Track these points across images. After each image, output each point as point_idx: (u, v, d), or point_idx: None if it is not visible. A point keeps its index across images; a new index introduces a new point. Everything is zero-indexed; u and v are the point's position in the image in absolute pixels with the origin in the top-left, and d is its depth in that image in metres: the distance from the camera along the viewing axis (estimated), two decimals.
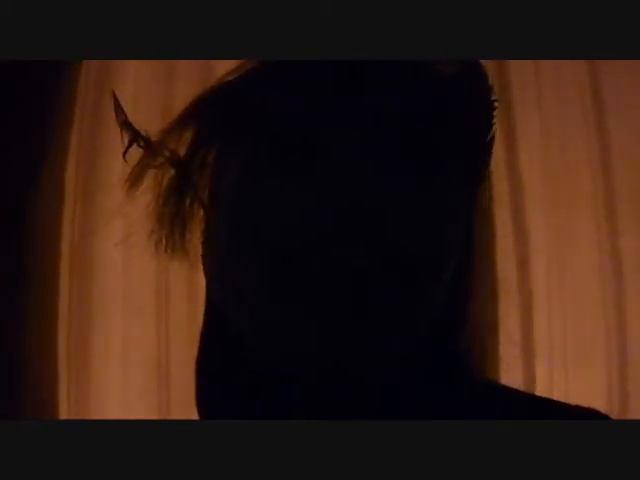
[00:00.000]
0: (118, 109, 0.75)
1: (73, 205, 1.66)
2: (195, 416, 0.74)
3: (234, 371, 0.72)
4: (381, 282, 0.65)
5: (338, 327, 0.65)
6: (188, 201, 0.73)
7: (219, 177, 0.72)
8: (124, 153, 0.74)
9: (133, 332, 1.65)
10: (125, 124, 0.74)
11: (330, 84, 0.67)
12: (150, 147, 0.73)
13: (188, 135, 0.72)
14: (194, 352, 0.75)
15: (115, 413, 1.62)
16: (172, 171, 0.73)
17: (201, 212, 0.73)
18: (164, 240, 0.73)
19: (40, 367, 1.65)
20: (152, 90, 1.63)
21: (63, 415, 1.63)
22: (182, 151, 0.73)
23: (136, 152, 0.73)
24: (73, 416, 1.62)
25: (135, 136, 0.73)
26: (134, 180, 0.73)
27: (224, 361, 0.73)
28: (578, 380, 1.57)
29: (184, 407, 1.60)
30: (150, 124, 0.72)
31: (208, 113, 0.72)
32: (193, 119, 0.73)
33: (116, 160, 1.64)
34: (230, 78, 0.72)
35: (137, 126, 0.73)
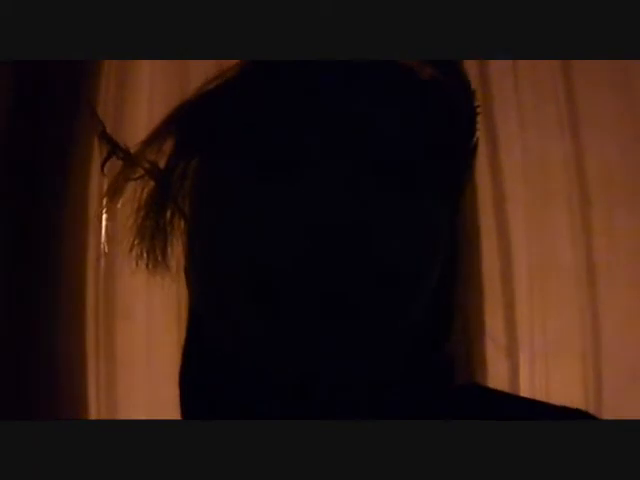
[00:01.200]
0: (96, 120, 0.73)
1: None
2: None
3: (216, 382, 0.71)
4: (365, 294, 0.65)
5: (321, 340, 0.64)
6: (169, 213, 0.72)
7: (200, 188, 0.71)
8: (102, 165, 0.73)
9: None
10: (103, 135, 0.73)
11: (312, 92, 0.67)
12: (129, 159, 0.72)
13: (168, 146, 0.72)
14: None
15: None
16: (152, 183, 0.72)
17: (182, 224, 0.72)
18: (145, 255, 0.72)
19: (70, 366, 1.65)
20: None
21: (93, 415, 1.63)
22: (162, 162, 0.72)
23: (115, 164, 0.72)
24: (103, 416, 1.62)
25: (114, 148, 0.72)
26: (113, 193, 0.72)
27: (206, 372, 0.72)
28: (556, 375, 1.58)
29: None
30: None
31: (188, 123, 0.71)
32: (172, 129, 0.72)
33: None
34: (209, 87, 0.71)
35: (115, 138, 0.72)
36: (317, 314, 0.64)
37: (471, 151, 0.72)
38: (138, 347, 1.65)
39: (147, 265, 0.72)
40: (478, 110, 0.72)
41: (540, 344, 1.57)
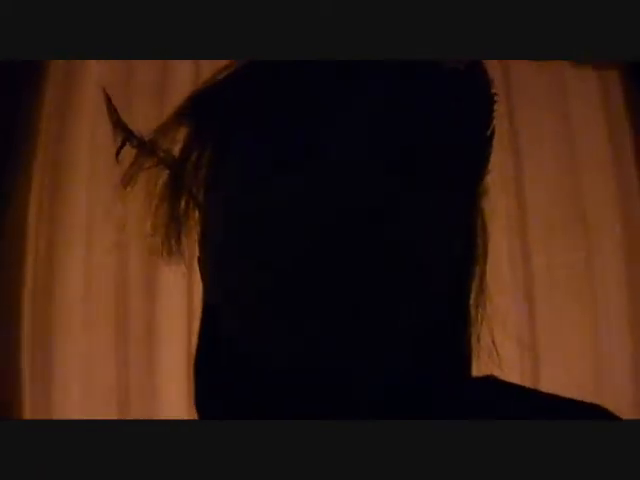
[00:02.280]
0: (111, 108, 0.73)
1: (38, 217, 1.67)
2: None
3: (230, 373, 0.71)
4: (381, 286, 0.64)
5: (337, 332, 0.64)
6: (183, 202, 0.72)
7: (214, 176, 0.70)
8: (117, 153, 0.72)
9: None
10: (118, 124, 0.72)
11: (325, 82, 0.66)
12: (143, 147, 0.71)
13: (182, 134, 0.71)
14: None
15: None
16: (166, 172, 0.71)
17: (196, 213, 0.72)
18: (160, 244, 0.72)
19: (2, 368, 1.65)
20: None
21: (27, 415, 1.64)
22: (176, 151, 0.71)
23: (129, 152, 0.72)
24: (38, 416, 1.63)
25: (128, 136, 0.72)
26: (128, 181, 0.71)
27: (220, 362, 0.72)
28: None
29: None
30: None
31: (201, 111, 0.71)
32: (186, 118, 0.71)
33: (80, 173, 1.67)
34: (222, 76, 0.71)
35: (130, 126, 0.72)
36: (332, 306, 0.64)
37: (488, 140, 0.71)
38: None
39: (162, 254, 0.72)
40: (496, 98, 0.71)
41: None
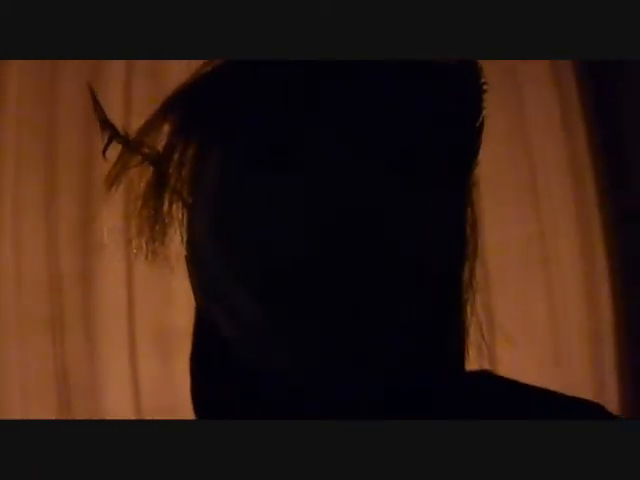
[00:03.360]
0: (97, 107, 0.72)
1: None
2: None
3: (226, 370, 0.70)
4: (375, 281, 0.64)
5: (333, 333, 0.63)
6: (167, 201, 0.71)
7: (199, 174, 0.70)
8: (104, 151, 0.71)
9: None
10: (104, 122, 0.72)
11: (316, 81, 0.65)
12: (128, 145, 0.71)
13: (166, 130, 0.70)
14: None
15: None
16: (150, 173, 0.71)
17: (181, 213, 0.71)
18: (144, 246, 0.71)
19: None
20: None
21: None
22: (160, 147, 0.70)
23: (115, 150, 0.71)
24: None
25: (114, 134, 0.71)
26: (112, 181, 0.71)
27: (215, 362, 0.71)
28: None
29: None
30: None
31: (185, 107, 0.70)
32: (170, 113, 0.70)
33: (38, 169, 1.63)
34: (207, 70, 0.70)
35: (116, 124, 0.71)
36: (323, 305, 0.63)
37: (478, 130, 0.70)
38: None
39: (146, 256, 0.71)
40: (485, 87, 0.70)
41: None
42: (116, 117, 0.73)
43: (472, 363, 0.74)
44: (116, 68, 1.56)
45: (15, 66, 1.63)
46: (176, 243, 0.71)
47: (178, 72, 0.71)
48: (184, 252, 0.71)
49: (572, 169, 1.75)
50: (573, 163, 1.75)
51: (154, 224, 0.70)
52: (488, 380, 0.74)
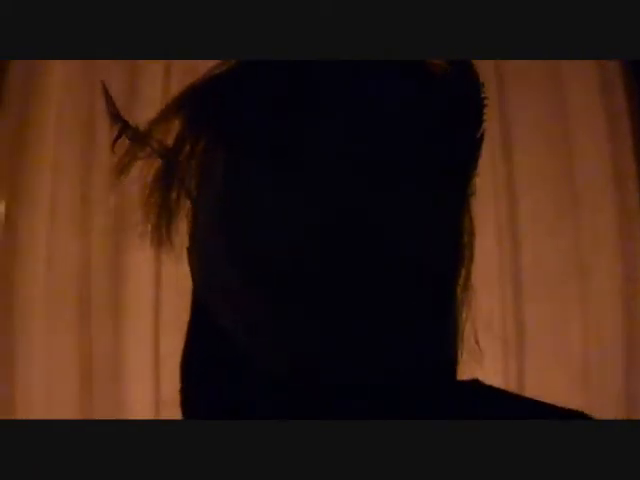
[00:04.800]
0: (108, 100, 0.74)
1: None
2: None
3: (220, 368, 0.71)
4: (375, 282, 0.65)
5: (331, 329, 0.65)
6: (175, 193, 0.72)
7: (206, 168, 0.71)
8: (113, 144, 0.73)
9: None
10: (115, 115, 0.73)
11: (320, 82, 0.67)
12: (138, 137, 0.72)
13: (176, 126, 0.72)
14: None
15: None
16: (159, 162, 0.72)
17: (188, 204, 0.72)
18: (150, 232, 0.72)
19: None
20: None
21: None
22: (170, 142, 0.72)
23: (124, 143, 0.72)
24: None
25: (124, 127, 0.73)
26: (121, 170, 0.72)
27: (210, 357, 0.72)
28: None
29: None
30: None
31: (196, 104, 0.71)
32: (181, 109, 0.72)
33: (44, 155, 1.66)
34: (218, 70, 0.72)
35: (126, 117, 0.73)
36: (323, 300, 0.64)
37: (478, 141, 0.72)
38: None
39: (152, 243, 0.72)
40: (486, 102, 0.72)
41: None
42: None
43: (466, 369, 0.74)
44: (155, 68, 1.58)
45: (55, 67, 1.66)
46: (181, 233, 0.72)
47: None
48: (187, 243, 0.72)
49: (615, 178, 1.71)
50: (616, 171, 1.71)
51: (161, 213, 0.72)
52: (478, 389, 0.75)
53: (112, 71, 1.56)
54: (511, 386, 1.56)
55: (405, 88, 0.69)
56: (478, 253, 0.74)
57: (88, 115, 1.63)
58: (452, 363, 0.73)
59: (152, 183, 0.72)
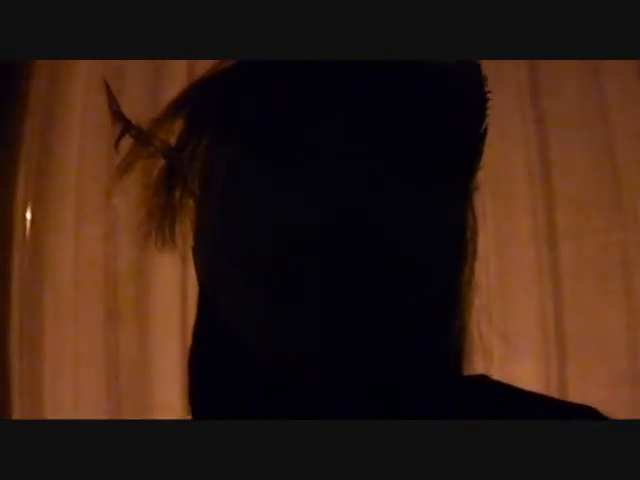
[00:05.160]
0: (111, 99, 0.74)
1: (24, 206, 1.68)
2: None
3: (226, 365, 0.71)
4: (375, 282, 0.65)
5: (333, 327, 0.65)
6: (178, 192, 0.72)
7: (210, 168, 0.71)
8: (116, 143, 0.73)
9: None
10: (117, 114, 0.73)
11: (323, 81, 0.67)
12: (141, 137, 0.72)
13: (179, 125, 0.72)
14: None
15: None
16: (162, 161, 0.72)
17: (191, 203, 0.72)
18: (153, 233, 0.72)
19: None
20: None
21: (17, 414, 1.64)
22: (173, 141, 0.72)
23: (127, 142, 0.73)
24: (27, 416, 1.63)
25: (127, 126, 0.73)
26: (124, 170, 0.72)
27: (216, 354, 0.72)
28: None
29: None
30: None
31: (198, 103, 0.72)
32: (183, 109, 0.72)
33: (68, 163, 1.67)
34: (221, 68, 0.72)
35: (129, 116, 0.73)
36: (325, 298, 0.64)
37: (480, 137, 0.72)
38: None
39: (155, 243, 0.72)
40: (488, 96, 0.72)
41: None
42: None
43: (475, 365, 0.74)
44: (179, 67, 1.59)
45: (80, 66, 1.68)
46: (185, 232, 0.72)
47: None
48: (191, 243, 0.72)
49: None
50: None
51: (164, 212, 0.72)
52: (485, 384, 0.75)
53: (135, 72, 1.57)
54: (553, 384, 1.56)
55: (405, 86, 0.68)
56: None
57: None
58: (456, 360, 0.73)
59: (155, 183, 0.72)
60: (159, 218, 0.72)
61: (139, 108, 0.75)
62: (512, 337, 1.53)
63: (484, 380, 0.75)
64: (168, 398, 1.61)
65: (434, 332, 0.72)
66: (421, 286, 0.67)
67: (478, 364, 0.74)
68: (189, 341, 0.75)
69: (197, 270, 0.73)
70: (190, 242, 0.72)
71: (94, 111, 1.67)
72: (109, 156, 1.65)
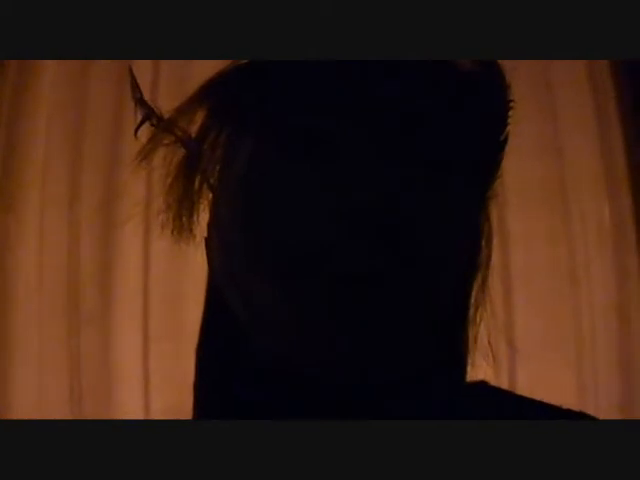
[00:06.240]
0: (134, 86, 0.73)
1: None
2: None
3: (233, 361, 0.71)
4: (389, 280, 0.65)
5: (344, 326, 0.64)
6: (197, 182, 0.72)
7: (229, 159, 0.71)
8: (136, 130, 0.73)
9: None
10: (140, 101, 0.73)
11: (345, 81, 0.67)
12: (162, 125, 0.72)
13: (200, 115, 0.71)
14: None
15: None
16: (182, 151, 0.72)
17: (209, 194, 0.72)
18: (171, 222, 0.72)
19: None
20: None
21: None
22: (193, 131, 0.71)
23: (147, 130, 0.72)
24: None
25: (148, 114, 0.72)
26: (144, 157, 0.72)
27: (224, 349, 0.71)
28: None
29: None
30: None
31: (221, 94, 0.71)
32: (206, 99, 0.71)
33: (33, 162, 1.66)
34: (241, 62, 0.71)
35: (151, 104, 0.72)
36: (339, 296, 0.64)
37: (502, 144, 0.72)
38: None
39: (172, 232, 0.72)
40: (511, 104, 0.72)
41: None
42: None
43: (478, 372, 0.74)
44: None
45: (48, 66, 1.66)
46: (202, 223, 0.72)
47: None
48: (204, 234, 0.72)
49: (607, 182, 1.70)
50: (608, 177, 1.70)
51: (182, 201, 0.71)
52: (485, 390, 0.75)
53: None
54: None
55: (434, 88, 0.68)
56: None
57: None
58: (462, 365, 0.73)
59: (174, 172, 0.71)
60: (177, 207, 0.71)
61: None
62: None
63: (484, 386, 0.75)
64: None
65: (445, 335, 0.72)
66: (435, 290, 0.67)
67: (484, 370, 0.74)
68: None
69: (209, 263, 0.72)
70: (205, 233, 0.72)
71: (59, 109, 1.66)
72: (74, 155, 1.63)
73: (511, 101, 0.72)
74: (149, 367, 1.59)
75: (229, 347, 0.71)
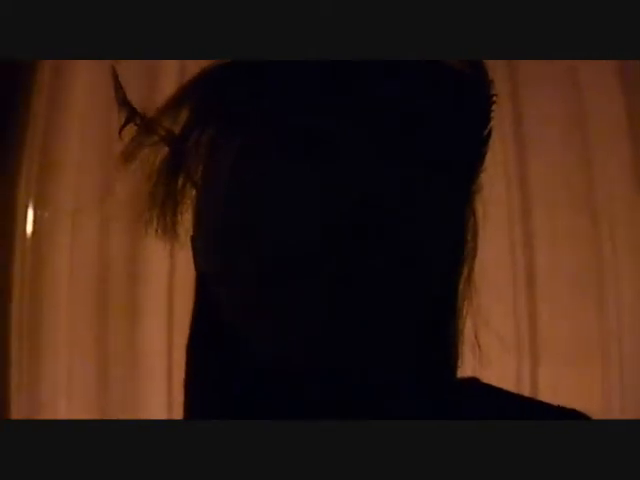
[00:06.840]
0: (117, 86, 0.73)
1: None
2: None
3: (223, 360, 0.71)
4: (380, 279, 0.65)
5: (332, 326, 0.64)
6: (180, 181, 0.72)
7: (213, 158, 0.71)
8: (120, 130, 0.73)
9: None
10: (123, 102, 0.73)
11: (330, 80, 0.67)
12: (146, 125, 0.72)
13: (184, 114, 0.72)
14: None
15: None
16: (166, 150, 0.72)
17: (193, 192, 0.72)
18: (155, 220, 0.72)
19: None
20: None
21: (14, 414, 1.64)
22: (177, 130, 0.72)
23: (131, 130, 0.72)
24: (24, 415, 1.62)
25: (132, 114, 0.73)
26: (127, 157, 0.72)
27: (213, 348, 0.72)
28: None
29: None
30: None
31: (204, 93, 0.71)
32: (189, 98, 0.72)
33: (69, 163, 1.67)
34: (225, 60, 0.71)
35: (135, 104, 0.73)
36: (324, 295, 0.64)
37: (485, 139, 0.72)
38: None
39: (156, 231, 0.72)
40: (494, 99, 0.72)
41: None
42: None
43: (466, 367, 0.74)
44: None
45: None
46: (186, 221, 0.72)
47: None
48: (191, 232, 0.72)
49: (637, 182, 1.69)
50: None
51: (166, 200, 0.72)
52: (475, 387, 0.75)
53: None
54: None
55: (413, 85, 0.68)
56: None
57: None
58: (451, 361, 0.73)
59: (158, 171, 0.72)
60: (160, 206, 0.72)
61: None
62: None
63: (475, 383, 0.75)
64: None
65: (433, 331, 0.72)
66: (420, 285, 0.67)
67: (470, 365, 0.74)
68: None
69: (195, 261, 0.72)
70: (190, 231, 0.72)
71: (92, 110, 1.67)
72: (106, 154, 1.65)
73: (494, 95, 0.72)
74: (173, 360, 1.60)
75: (219, 347, 0.71)
